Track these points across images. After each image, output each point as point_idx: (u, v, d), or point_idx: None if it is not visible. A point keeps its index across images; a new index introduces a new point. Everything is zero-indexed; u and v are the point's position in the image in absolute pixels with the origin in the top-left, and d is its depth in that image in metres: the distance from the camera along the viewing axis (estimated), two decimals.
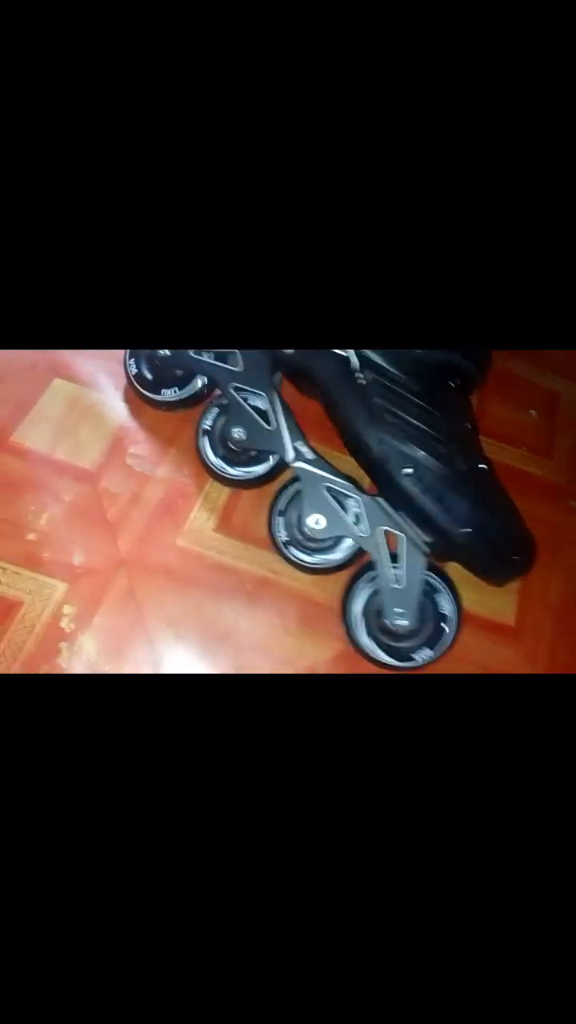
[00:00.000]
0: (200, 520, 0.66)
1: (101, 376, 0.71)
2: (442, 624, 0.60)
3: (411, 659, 0.60)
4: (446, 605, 0.60)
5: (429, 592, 0.60)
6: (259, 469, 0.65)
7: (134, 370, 0.68)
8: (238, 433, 0.62)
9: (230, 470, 0.65)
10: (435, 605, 0.61)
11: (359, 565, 0.63)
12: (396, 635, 0.60)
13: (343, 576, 0.63)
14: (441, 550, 0.60)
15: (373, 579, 0.60)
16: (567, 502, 0.77)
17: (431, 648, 0.60)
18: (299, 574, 0.64)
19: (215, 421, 0.66)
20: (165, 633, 0.61)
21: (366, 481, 0.62)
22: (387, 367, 0.59)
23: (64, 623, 0.59)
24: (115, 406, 0.70)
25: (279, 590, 0.64)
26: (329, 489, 0.61)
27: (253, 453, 0.65)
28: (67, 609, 0.60)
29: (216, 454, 0.66)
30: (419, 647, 0.60)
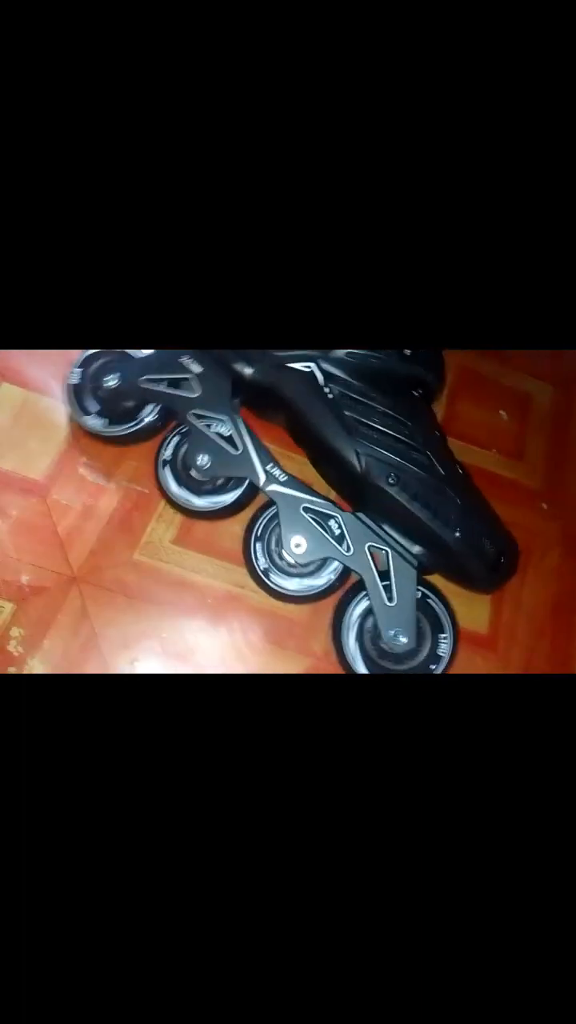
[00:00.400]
0: (158, 532, 0.62)
1: (51, 381, 0.67)
2: (434, 664, 0.58)
3: None
4: (444, 648, 0.58)
5: (436, 630, 0.58)
6: (227, 498, 0.61)
7: (75, 380, 0.63)
8: (203, 461, 0.58)
9: (196, 501, 0.61)
10: (435, 645, 0.58)
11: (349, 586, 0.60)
12: (389, 656, 0.58)
13: None
14: (430, 561, 0.58)
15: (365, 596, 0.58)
16: (540, 505, 0.75)
17: None
18: None
19: (176, 450, 0.62)
20: (121, 655, 0.57)
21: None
22: (351, 380, 0.58)
23: (12, 647, 0.55)
24: (66, 412, 0.66)
25: (243, 605, 0.61)
26: (307, 509, 0.58)
27: (220, 481, 0.61)
28: (15, 632, 0.56)
29: (179, 485, 0.61)
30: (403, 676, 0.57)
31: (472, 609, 0.65)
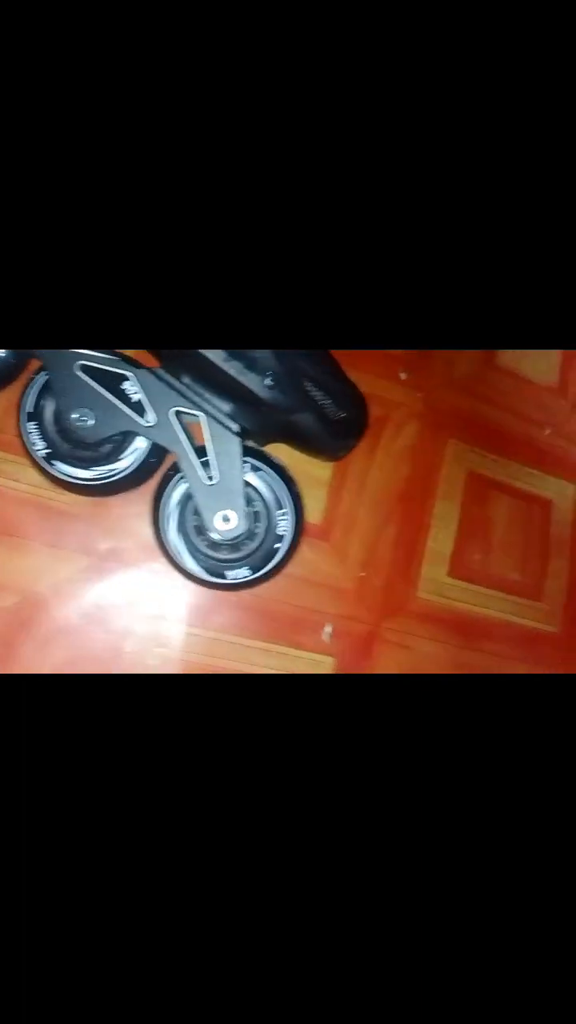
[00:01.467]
0: None
1: None
2: (276, 545, 0.48)
3: (223, 576, 0.48)
4: (285, 525, 0.48)
5: (275, 506, 0.48)
6: None
7: None
8: None
9: None
10: (273, 523, 0.48)
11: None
12: (222, 546, 0.48)
13: None
14: (249, 422, 0.46)
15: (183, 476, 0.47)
16: (399, 373, 0.64)
17: (252, 570, 0.48)
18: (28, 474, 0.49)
19: None
20: None
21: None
22: None
23: None
24: None
25: (6, 499, 0.49)
26: (87, 369, 0.44)
27: None
28: None
29: None
30: (239, 564, 0.48)
31: (305, 493, 0.56)
